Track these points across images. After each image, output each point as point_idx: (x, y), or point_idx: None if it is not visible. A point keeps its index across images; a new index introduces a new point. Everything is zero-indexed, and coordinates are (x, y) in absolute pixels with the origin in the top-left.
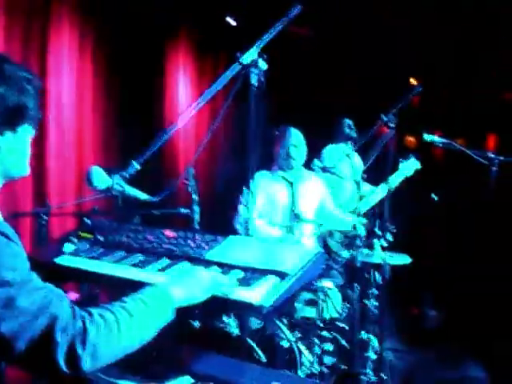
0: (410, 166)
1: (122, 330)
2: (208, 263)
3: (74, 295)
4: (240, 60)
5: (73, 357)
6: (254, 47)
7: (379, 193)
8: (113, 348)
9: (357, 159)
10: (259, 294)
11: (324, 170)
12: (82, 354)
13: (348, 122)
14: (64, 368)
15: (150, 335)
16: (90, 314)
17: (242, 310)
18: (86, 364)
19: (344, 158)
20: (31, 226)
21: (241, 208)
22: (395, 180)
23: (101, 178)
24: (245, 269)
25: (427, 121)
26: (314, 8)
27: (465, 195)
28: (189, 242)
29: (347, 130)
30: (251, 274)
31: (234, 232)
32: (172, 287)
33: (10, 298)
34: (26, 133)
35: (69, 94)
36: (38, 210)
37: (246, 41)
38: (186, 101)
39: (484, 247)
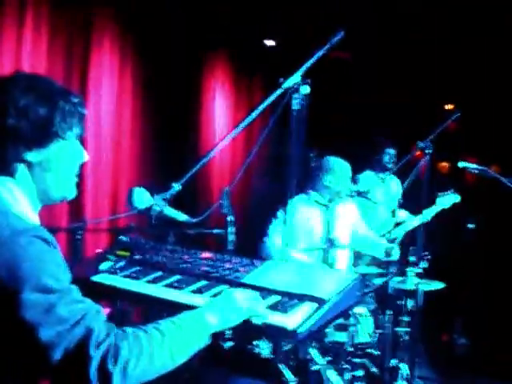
0: (448, 200)
1: (154, 351)
2: (245, 287)
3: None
4: (282, 85)
5: (104, 372)
6: (297, 72)
7: (414, 222)
8: (144, 368)
9: (394, 185)
10: (295, 319)
11: (358, 194)
12: (112, 370)
13: (390, 152)
14: (94, 383)
15: (183, 358)
16: (124, 332)
17: (278, 334)
18: (116, 381)
19: (379, 183)
20: (67, 241)
21: (273, 235)
22: (431, 212)
23: (143, 198)
24: (281, 293)
25: (462, 147)
26: (353, 33)
27: (500, 222)
28: (226, 264)
29: (386, 160)
30: (288, 299)
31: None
32: (208, 312)
33: (50, 305)
34: (64, 151)
35: (107, 112)
36: (73, 225)
37: (283, 63)
38: (221, 123)
39: None
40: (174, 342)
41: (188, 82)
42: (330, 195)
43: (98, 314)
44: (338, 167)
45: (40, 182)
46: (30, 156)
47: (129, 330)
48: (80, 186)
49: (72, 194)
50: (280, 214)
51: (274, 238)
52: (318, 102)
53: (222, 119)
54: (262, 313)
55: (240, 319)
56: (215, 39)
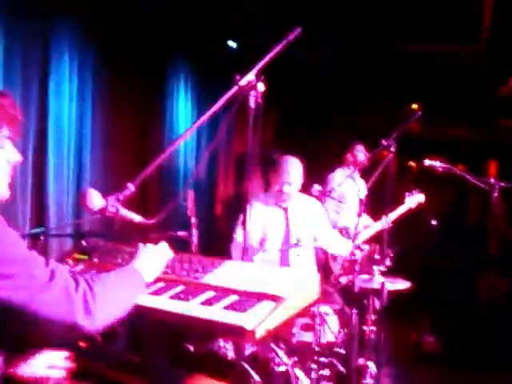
0: (414, 200)
1: (114, 290)
2: (203, 287)
3: None
4: (238, 82)
5: (87, 309)
6: (252, 69)
7: (380, 224)
8: (110, 303)
9: (361, 183)
10: (253, 318)
11: (324, 194)
12: (93, 306)
13: (360, 147)
14: (82, 321)
15: (132, 300)
16: (89, 277)
17: (236, 334)
18: (98, 316)
19: (348, 181)
20: (29, 247)
21: (237, 234)
22: (397, 212)
23: (95, 199)
24: (240, 293)
25: (428, 146)
26: (318, 35)
27: (465, 220)
28: (185, 264)
29: (360, 158)
30: (246, 299)
31: (231, 256)
32: (141, 267)
33: (28, 271)
34: None
35: (68, 117)
36: (36, 231)
37: (247, 64)
38: (186, 125)
39: (484, 271)
40: (122, 284)
41: (151, 86)
42: (283, 198)
43: (63, 267)
44: (283, 164)
45: None
46: None
47: (88, 275)
48: (42, 191)
49: (4, 194)
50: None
51: (239, 238)
52: (285, 101)
53: (186, 122)
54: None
55: (163, 266)
56: (177, 42)
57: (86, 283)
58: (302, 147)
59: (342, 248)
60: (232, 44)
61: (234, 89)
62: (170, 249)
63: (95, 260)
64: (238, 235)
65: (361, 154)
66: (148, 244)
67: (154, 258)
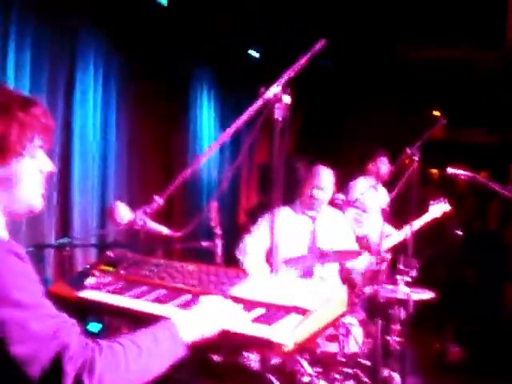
0: (439, 209)
1: (130, 364)
2: (230, 299)
3: None
4: (264, 95)
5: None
6: (278, 82)
7: (403, 233)
8: (119, 381)
9: (383, 192)
10: (281, 331)
11: (347, 203)
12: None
13: (384, 159)
14: None
15: (159, 370)
16: (100, 346)
17: (264, 347)
18: None
19: (369, 190)
20: (55, 257)
21: (249, 239)
22: (421, 221)
23: (123, 213)
24: (267, 306)
25: (451, 153)
26: (340, 42)
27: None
28: (211, 277)
29: (383, 169)
30: (273, 312)
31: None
32: (183, 323)
33: (23, 321)
34: (25, 166)
35: (93, 126)
36: (61, 241)
37: (269, 74)
38: (209, 135)
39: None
40: (149, 355)
41: (174, 95)
42: (313, 203)
43: (72, 328)
44: (314, 169)
45: (3, 198)
46: None
47: (104, 343)
48: (67, 201)
49: (38, 205)
50: (263, 219)
51: (255, 241)
52: (306, 109)
53: (209, 132)
54: (239, 322)
55: (216, 329)
56: (200, 52)
57: (94, 353)
58: (322, 156)
59: (361, 261)
60: (254, 53)
61: (260, 102)
62: (233, 311)
63: (122, 272)
64: (249, 242)
65: (383, 165)
66: (213, 299)
67: (210, 321)
